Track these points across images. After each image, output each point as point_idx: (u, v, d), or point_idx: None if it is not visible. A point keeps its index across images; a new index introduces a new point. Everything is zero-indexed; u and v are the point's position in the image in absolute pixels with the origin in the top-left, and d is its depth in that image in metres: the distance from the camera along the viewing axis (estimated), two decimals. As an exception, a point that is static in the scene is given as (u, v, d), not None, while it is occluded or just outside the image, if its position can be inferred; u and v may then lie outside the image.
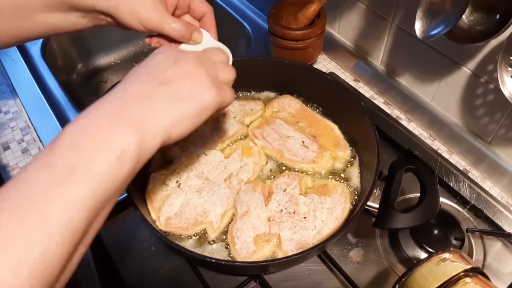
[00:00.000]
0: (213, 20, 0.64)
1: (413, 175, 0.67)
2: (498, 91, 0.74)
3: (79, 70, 1.27)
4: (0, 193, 0.35)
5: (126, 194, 0.73)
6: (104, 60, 1.30)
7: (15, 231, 0.33)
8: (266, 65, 0.85)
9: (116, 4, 0.56)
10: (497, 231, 0.75)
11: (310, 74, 0.82)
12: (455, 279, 0.53)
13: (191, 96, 0.47)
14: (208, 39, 0.64)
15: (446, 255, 0.58)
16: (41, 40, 1.12)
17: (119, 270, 0.71)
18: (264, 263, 0.64)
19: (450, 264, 0.57)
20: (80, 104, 1.04)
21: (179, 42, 0.62)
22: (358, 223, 0.76)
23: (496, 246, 0.74)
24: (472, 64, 0.77)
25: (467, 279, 0.53)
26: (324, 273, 0.71)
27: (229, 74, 0.54)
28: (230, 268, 0.67)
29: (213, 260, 0.58)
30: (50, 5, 0.56)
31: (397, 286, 0.57)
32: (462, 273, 0.54)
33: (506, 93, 0.65)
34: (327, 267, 0.71)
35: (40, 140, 0.90)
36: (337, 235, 0.62)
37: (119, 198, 0.79)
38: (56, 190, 0.36)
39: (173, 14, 0.61)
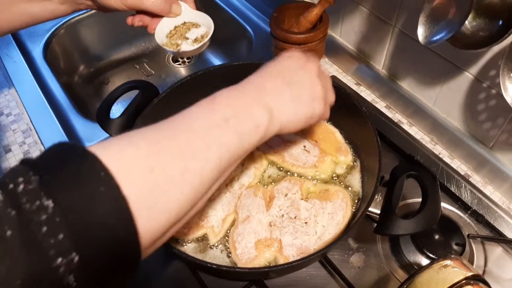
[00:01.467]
0: None
1: (415, 180, 0.67)
2: (500, 96, 0.74)
3: (81, 72, 1.27)
4: (173, 119, 0.43)
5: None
6: (105, 62, 1.31)
7: (184, 145, 0.40)
8: (268, 69, 0.84)
9: None
10: (498, 237, 0.75)
11: (312, 78, 0.82)
12: (457, 287, 0.53)
13: (308, 104, 0.53)
14: (187, 10, 0.69)
15: (447, 262, 0.58)
16: (43, 42, 1.13)
17: (120, 274, 0.71)
18: (265, 269, 0.64)
19: (451, 271, 0.57)
20: (82, 106, 1.04)
21: (160, 17, 0.66)
22: (359, 228, 0.75)
23: (497, 251, 0.74)
24: (475, 69, 0.77)
25: (469, 287, 0.53)
26: (324, 278, 0.71)
27: (333, 97, 0.60)
28: (231, 274, 0.67)
29: (214, 266, 0.58)
30: None
31: (398, 293, 0.57)
32: (463, 281, 0.54)
33: (508, 99, 0.65)
34: (328, 272, 0.71)
35: (42, 143, 0.90)
36: (338, 241, 0.62)
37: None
38: (215, 130, 0.43)
39: None
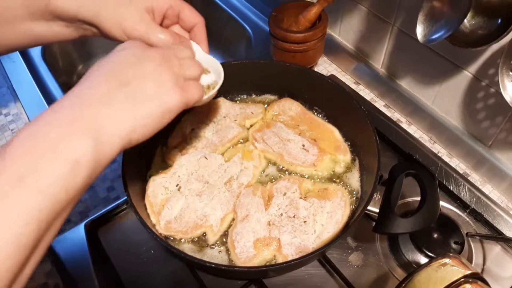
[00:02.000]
0: (204, 32, 0.62)
1: (414, 178, 0.67)
2: (499, 95, 0.74)
3: (80, 71, 1.27)
4: None
5: (125, 198, 0.73)
6: (104, 61, 1.30)
7: None
8: (267, 68, 0.84)
9: (99, 13, 0.54)
10: (496, 236, 0.75)
11: (311, 77, 0.82)
12: (455, 285, 0.53)
13: (153, 99, 0.44)
14: (199, 52, 0.61)
15: (446, 260, 0.58)
16: (41, 41, 1.12)
17: (119, 274, 0.71)
18: (264, 268, 0.64)
19: (449, 269, 0.56)
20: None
21: None
22: (358, 227, 0.76)
23: (495, 250, 0.74)
24: (473, 67, 0.77)
25: (467, 286, 0.53)
26: (323, 277, 0.71)
27: (195, 71, 0.51)
28: (230, 273, 0.67)
29: (213, 265, 0.58)
30: (33, 13, 0.55)
31: (396, 291, 0.57)
32: (462, 279, 0.54)
33: (507, 97, 0.65)
34: (327, 271, 0.71)
35: (41, 142, 0.90)
36: (337, 239, 0.62)
37: (119, 201, 0.79)
38: (2, 202, 0.34)
39: (161, 24, 0.59)
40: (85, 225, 0.74)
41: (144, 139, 0.45)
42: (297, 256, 0.63)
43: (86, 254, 0.71)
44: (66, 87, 1.07)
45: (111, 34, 0.56)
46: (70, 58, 1.24)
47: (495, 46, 0.71)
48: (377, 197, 0.78)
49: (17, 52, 1.08)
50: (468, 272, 0.55)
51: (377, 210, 0.66)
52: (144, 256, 0.73)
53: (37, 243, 0.36)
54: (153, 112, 0.44)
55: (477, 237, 0.75)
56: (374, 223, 0.64)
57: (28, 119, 0.95)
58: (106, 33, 0.56)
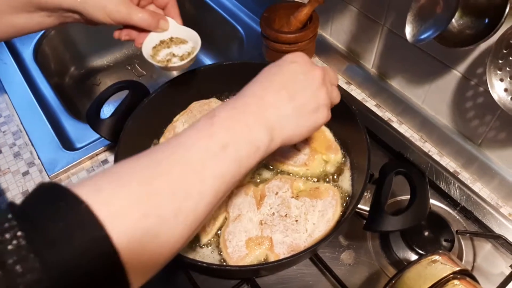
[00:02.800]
0: (177, 7, 0.69)
1: (404, 177, 0.67)
2: (487, 94, 0.75)
3: (72, 73, 1.27)
4: (167, 146, 0.42)
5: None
6: (97, 63, 1.30)
7: (177, 183, 0.39)
8: (259, 69, 0.83)
9: (82, 0, 0.58)
10: (486, 233, 0.76)
11: (302, 77, 0.82)
12: (444, 281, 0.54)
13: (311, 116, 0.53)
14: (175, 26, 0.69)
15: (435, 257, 0.58)
16: (33, 43, 1.12)
17: (112, 274, 0.71)
18: (256, 267, 0.64)
19: (439, 266, 0.57)
20: (73, 107, 1.04)
21: (147, 31, 0.67)
22: (349, 226, 0.76)
23: (485, 247, 0.75)
24: (462, 67, 0.78)
25: (456, 282, 0.54)
26: (315, 275, 0.71)
27: (338, 97, 0.60)
28: (221, 272, 0.67)
29: (205, 265, 0.58)
30: (16, 6, 0.57)
31: (386, 288, 0.58)
32: (450, 276, 0.54)
33: (495, 96, 0.66)
34: (319, 270, 0.72)
35: (32, 144, 0.90)
36: (328, 238, 0.63)
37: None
38: (212, 161, 0.42)
39: (138, 5, 0.65)
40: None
41: (292, 144, 0.54)
42: (289, 255, 0.64)
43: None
44: (58, 88, 1.07)
45: (95, 18, 0.60)
46: (62, 60, 1.24)
47: (483, 46, 0.72)
48: (368, 195, 0.78)
49: (8, 53, 1.08)
50: (457, 268, 0.56)
51: (368, 209, 0.66)
52: (136, 256, 0.73)
53: (216, 204, 0.44)
54: (309, 126, 0.53)
55: (467, 235, 0.75)
56: (365, 221, 0.65)
57: (20, 120, 0.94)
58: (90, 19, 0.61)
